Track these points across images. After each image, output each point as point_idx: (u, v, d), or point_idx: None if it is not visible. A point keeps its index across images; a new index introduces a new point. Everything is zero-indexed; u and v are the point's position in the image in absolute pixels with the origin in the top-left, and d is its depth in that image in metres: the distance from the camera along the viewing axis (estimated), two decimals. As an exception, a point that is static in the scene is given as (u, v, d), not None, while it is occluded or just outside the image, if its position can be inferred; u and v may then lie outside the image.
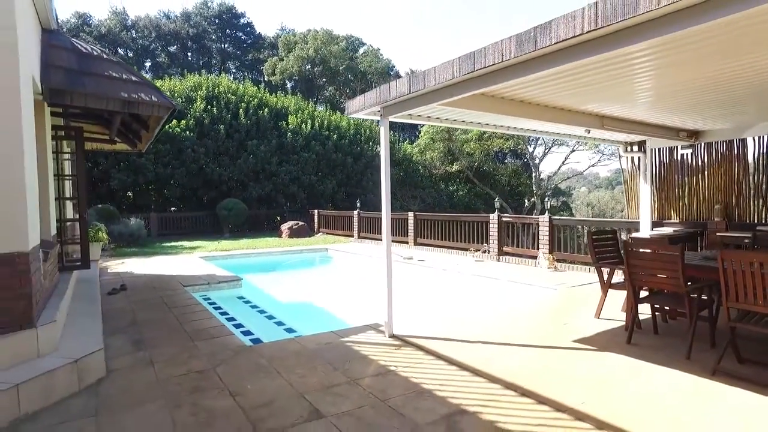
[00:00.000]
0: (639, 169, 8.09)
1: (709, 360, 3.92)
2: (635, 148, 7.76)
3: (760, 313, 3.64)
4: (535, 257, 9.62)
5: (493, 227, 10.62)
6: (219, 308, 6.99)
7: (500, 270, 9.26)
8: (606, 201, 47.46)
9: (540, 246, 9.49)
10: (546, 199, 19.85)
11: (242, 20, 48.87)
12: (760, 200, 7.06)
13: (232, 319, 6.39)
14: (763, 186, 7.06)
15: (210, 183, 20.00)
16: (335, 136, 23.08)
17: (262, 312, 7.15)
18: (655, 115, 5.91)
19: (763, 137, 7.06)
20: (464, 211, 25.17)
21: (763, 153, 7.08)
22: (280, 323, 6.43)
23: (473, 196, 28.56)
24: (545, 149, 29.08)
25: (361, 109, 4.91)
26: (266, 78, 40.36)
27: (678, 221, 8.06)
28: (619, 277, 5.89)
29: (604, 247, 5.68)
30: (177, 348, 4.69)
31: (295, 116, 22.32)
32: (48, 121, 6.05)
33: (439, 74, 3.85)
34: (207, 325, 5.57)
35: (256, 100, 21.71)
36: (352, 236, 16.43)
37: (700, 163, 7.84)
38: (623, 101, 5.10)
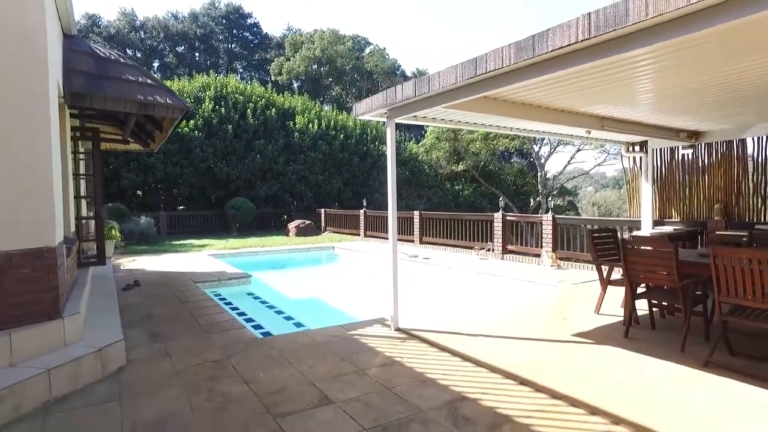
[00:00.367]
0: (640, 168, 8.22)
1: (703, 353, 4.08)
2: (637, 148, 7.90)
3: (750, 307, 3.80)
4: (538, 255, 9.78)
5: (498, 226, 10.78)
6: (229, 303, 7.20)
7: (504, 268, 9.43)
8: (612, 200, 47.40)
9: (543, 244, 9.65)
10: (550, 199, 19.96)
11: (249, 20, 49.23)
12: (759, 200, 7.18)
13: (242, 313, 6.60)
14: (762, 186, 7.18)
15: (218, 182, 20.27)
16: (342, 135, 23.30)
17: (271, 307, 7.38)
18: (655, 116, 6.06)
19: (762, 138, 7.19)
20: (470, 210, 25.32)
21: (762, 153, 7.20)
22: (288, 318, 6.64)
23: (479, 196, 28.69)
24: (551, 149, 29.14)
25: (368, 111, 5.11)
26: (273, 78, 40.64)
27: (679, 220, 8.19)
28: (618, 274, 6.03)
29: (604, 245, 5.84)
30: (192, 340, 4.91)
31: (302, 116, 22.57)
32: (68, 122, 6.28)
33: (443, 79, 4.03)
34: (219, 319, 5.78)
35: (263, 100, 21.97)
36: (359, 235, 16.64)
37: (700, 163, 7.97)
38: (623, 103, 5.26)
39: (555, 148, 28.98)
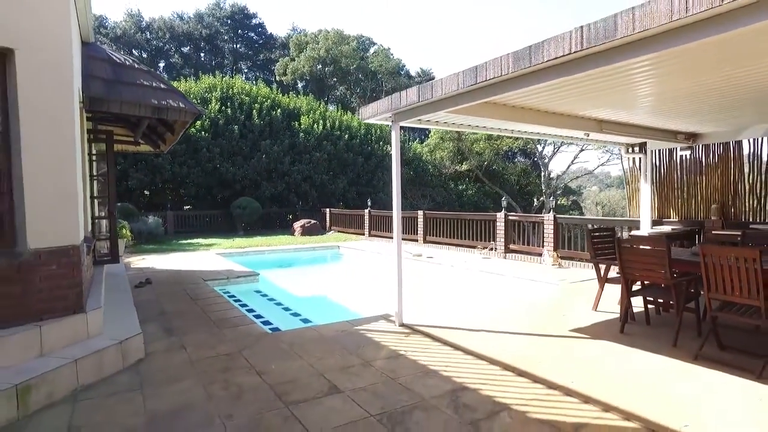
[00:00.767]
0: (640, 169, 8.40)
1: (694, 347, 4.26)
2: (636, 149, 8.07)
3: (738, 303, 3.98)
4: (540, 255, 9.96)
5: (500, 226, 10.97)
6: (239, 300, 7.42)
7: (506, 267, 9.62)
8: (617, 200, 47.37)
9: (545, 244, 9.83)
10: (551, 198, 20.12)
11: (254, 21, 49.54)
12: (755, 200, 7.35)
13: (251, 310, 6.82)
14: (758, 186, 7.35)
15: (224, 182, 20.53)
16: (346, 135, 23.53)
17: (279, 304, 7.60)
18: (652, 118, 6.24)
19: (758, 139, 7.35)
20: (473, 210, 25.50)
21: (757, 154, 7.36)
22: (296, 314, 6.85)
23: (482, 195, 28.86)
24: (554, 149, 29.27)
25: (374, 115, 5.32)
26: (278, 78, 40.90)
27: (677, 220, 8.36)
28: (615, 272, 6.21)
29: (601, 244, 6.02)
30: (205, 334, 5.13)
31: (308, 116, 22.80)
32: (84, 126, 6.52)
33: (446, 85, 4.24)
34: (230, 315, 6.01)
35: (269, 100, 22.22)
36: (363, 234, 16.85)
37: (698, 164, 8.13)
38: (620, 107, 5.45)
39: (558, 148, 29.12)
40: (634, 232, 7.87)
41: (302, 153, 22.01)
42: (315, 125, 22.63)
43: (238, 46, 49.52)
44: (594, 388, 3.51)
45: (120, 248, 10.53)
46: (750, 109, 5.61)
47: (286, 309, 7.24)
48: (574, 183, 36.71)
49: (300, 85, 42.05)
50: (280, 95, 23.86)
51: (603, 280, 5.83)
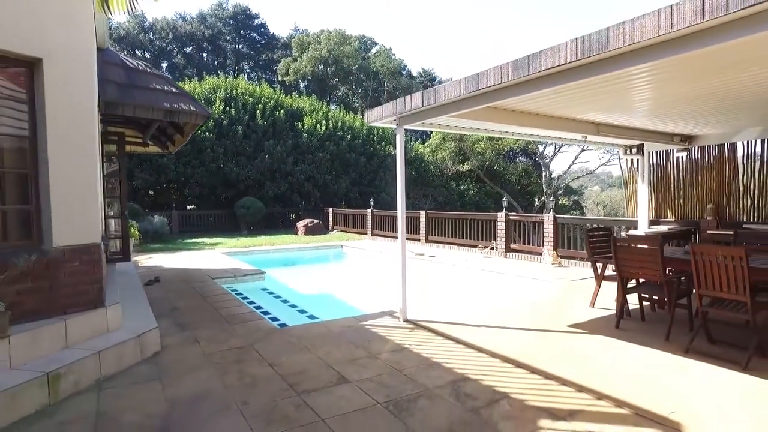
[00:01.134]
0: (637, 170, 8.59)
1: (686, 341, 4.44)
2: (634, 150, 8.27)
3: (727, 299, 4.18)
4: (540, 254, 10.16)
5: (501, 225, 11.17)
6: (246, 298, 7.63)
7: (507, 265, 9.82)
8: (618, 200, 47.45)
9: (545, 243, 10.03)
10: (552, 198, 20.28)
11: (256, 21, 49.74)
12: (749, 200, 7.54)
13: (259, 307, 7.02)
14: (752, 187, 7.54)
15: (228, 182, 20.76)
16: (349, 136, 23.74)
17: (285, 302, 7.81)
18: (648, 121, 6.43)
19: (751, 141, 7.54)
20: (475, 210, 25.69)
21: (751, 156, 7.55)
22: (302, 311, 7.06)
23: (483, 195, 29.04)
24: (555, 149, 29.42)
25: (379, 119, 5.53)
26: (280, 78, 41.12)
27: (674, 220, 8.55)
28: (612, 270, 6.41)
29: (599, 243, 6.21)
30: (216, 329, 5.35)
31: (311, 117, 23.01)
32: (98, 128, 6.74)
33: (448, 91, 4.45)
34: (238, 311, 6.23)
35: (272, 101, 22.44)
36: (366, 234, 17.05)
37: (694, 166, 8.32)
38: (617, 111, 5.65)
39: (560, 148, 29.26)
40: (631, 232, 8.06)
41: (305, 153, 22.22)
42: (318, 126, 22.85)
43: (240, 46, 49.72)
44: (588, 378, 3.72)
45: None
46: (743, 112, 5.80)
47: (293, 306, 7.44)
48: (575, 183, 36.86)
49: (302, 85, 42.26)
50: (284, 96, 24.09)
51: (600, 278, 6.03)
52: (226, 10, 48.27)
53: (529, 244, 10.91)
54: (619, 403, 3.28)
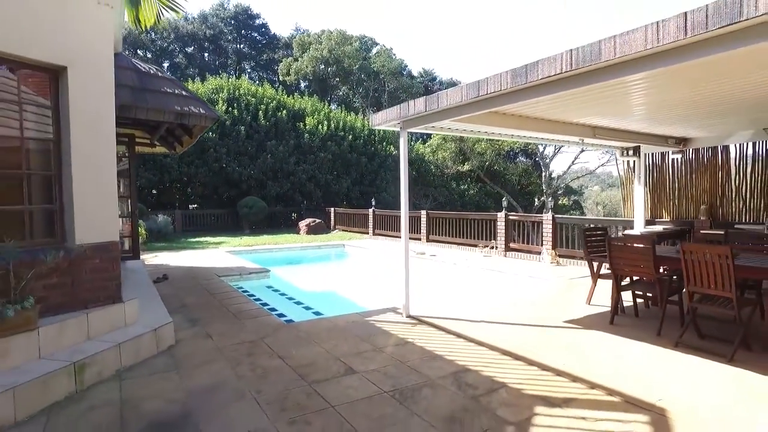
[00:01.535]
0: (634, 171, 8.81)
1: (677, 336, 4.66)
2: (631, 152, 8.48)
3: (715, 296, 4.39)
4: (539, 253, 10.37)
5: (501, 225, 11.39)
6: (252, 295, 7.83)
7: (506, 264, 10.04)
8: (617, 200, 47.55)
9: (543, 242, 10.24)
10: (550, 199, 20.47)
11: (257, 21, 49.96)
12: (741, 201, 7.76)
13: (265, 304, 7.22)
14: (743, 188, 7.76)
15: (230, 182, 20.98)
16: (350, 136, 23.96)
17: (290, 299, 8.02)
18: (643, 125, 6.65)
19: (743, 144, 7.75)
20: (475, 209, 25.91)
21: (743, 158, 7.77)
22: (308, 308, 7.27)
23: (484, 195, 29.26)
24: (555, 149, 29.63)
25: (384, 122, 5.74)
26: (281, 78, 41.32)
27: (669, 220, 8.77)
28: (607, 268, 6.62)
29: (595, 242, 6.43)
30: (226, 325, 5.56)
31: (312, 117, 23.23)
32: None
33: (450, 97, 4.66)
34: (246, 308, 6.45)
35: (274, 101, 22.66)
36: (368, 233, 17.27)
37: (688, 167, 8.54)
38: (612, 115, 5.87)
39: (559, 148, 29.46)
40: (627, 232, 8.28)
41: (307, 153, 22.44)
42: (320, 126, 23.06)
43: (241, 46, 49.92)
44: (582, 369, 3.94)
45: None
46: (735, 117, 6.02)
47: (298, 303, 7.66)
48: (575, 183, 37.06)
49: (303, 85, 42.45)
50: (285, 96, 24.30)
51: (596, 276, 6.25)
52: (228, 10, 48.47)
53: (528, 243, 11.12)
54: (610, 392, 3.50)
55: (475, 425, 3.06)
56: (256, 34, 50.34)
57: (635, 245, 5.21)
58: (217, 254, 12.44)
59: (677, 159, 8.53)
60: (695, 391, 3.52)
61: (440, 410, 3.28)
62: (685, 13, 2.67)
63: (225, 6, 48.64)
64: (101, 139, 4.34)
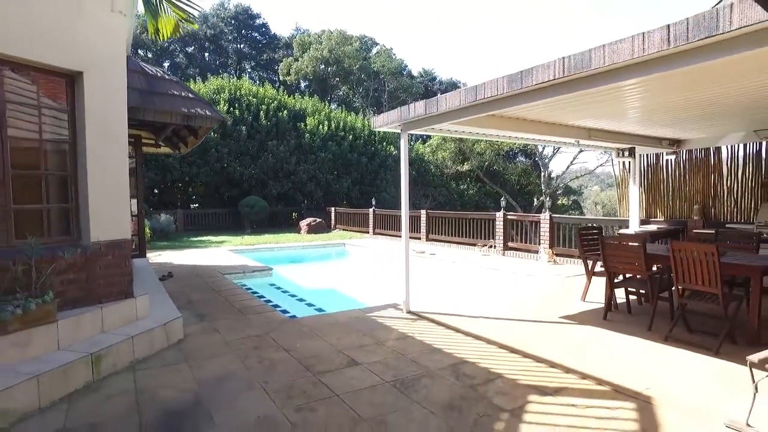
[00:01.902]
0: (629, 172, 9.00)
1: (667, 331, 4.86)
2: (626, 153, 8.68)
3: (703, 292, 4.58)
4: (537, 252, 10.57)
5: (499, 224, 11.58)
6: (256, 292, 8.02)
7: (504, 263, 10.23)
8: (616, 200, 47.78)
9: (541, 241, 10.44)
10: (548, 199, 20.64)
11: (258, 21, 50.12)
12: (732, 201, 7.95)
13: (269, 301, 7.41)
14: (735, 189, 7.95)
15: (232, 181, 21.15)
16: (350, 136, 24.15)
17: (293, 296, 8.21)
18: (637, 127, 6.84)
19: (734, 146, 7.95)
20: (474, 209, 26.11)
21: (734, 159, 7.97)
22: (310, 304, 7.47)
23: (483, 195, 29.45)
24: (554, 149, 29.82)
25: (385, 124, 5.93)
26: (281, 78, 41.50)
27: (663, 219, 8.96)
28: (600, 266, 6.81)
29: (590, 241, 6.62)
30: (232, 320, 5.75)
31: (313, 117, 23.41)
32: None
33: (449, 101, 4.85)
34: (251, 304, 6.63)
35: (275, 102, 22.83)
36: (368, 232, 17.45)
37: (682, 168, 8.74)
38: (606, 118, 6.06)
39: (558, 149, 29.65)
40: (622, 231, 8.47)
41: (308, 153, 22.62)
42: (320, 126, 23.24)
43: (241, 46, 50.07)
44: (575, 361, 4.13)
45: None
46: (725, 119, 6.21)
47: (301, 300, 7.85)
48: (575, 183, 37.26)
49: (303, 85, 42.63)
50: (286, 97, 24.48)
51: (590, 273, 6.44)
52: (228, 10, 48.62)
53: (526, 242, 11.32)
54: (600, 382, 3.69)
55: (471, 412, 3.25)
56: (256, 34, 50.49)
57: (627, 244, 5.40)
58: (219, 253, 12.62)
59: (671, 160, 8.72)
60: (680, 380, 3.71)
61: (439, 398, 3.46)
62: (668, 25, 2.86)
63: (225, 6, 48.79)
64: (114, 141, 4.52)
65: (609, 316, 5.61)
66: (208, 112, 6.85)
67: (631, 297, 6.06)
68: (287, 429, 3.03)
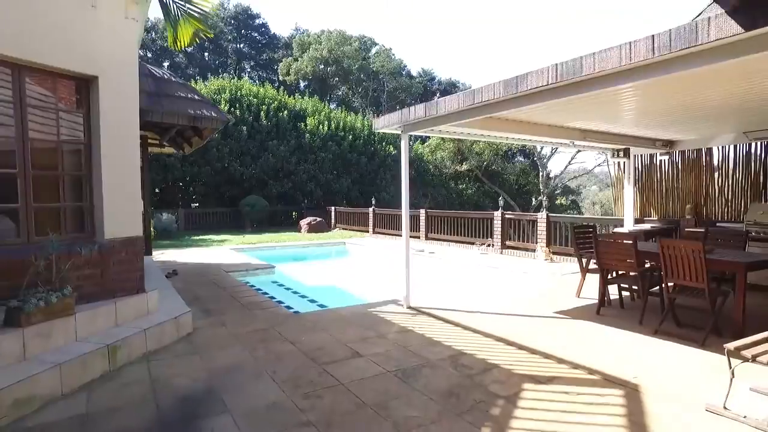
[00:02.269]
0: (624, 172, 9.22)
1: (657, 325, 5.07)
2: (621, 154, 8.88)
3: (691, 287, 4.79)
4: (534, 250, 10.77)
5: (497, 223, 11.79)
6: (259, 289, 8.20)
7: (502, 261, 10.44)
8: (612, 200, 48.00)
9: (538, 240, 10.64)
10: (546, 198, 20.85)
11: (257, 21, 50.28)
12: (723, 200, 8.17)
13: (272, 297, 7.59)
14: (725, 188, 8.18)
15: (232, 181, 21.34)
16: (350, 136, 24.34)
17: (295, 293, 8.41)
18: (630, 129, 7.05)
19: (725, 147, 8.17)
20: (473, 208, 26.31)
21: (725, 160, 8.18)
22: (312, 301, 7.66)
23: (481, 195, 29.67)
24: (552, 149, 30.03)
25: (386, 126, 6.14)
26: (281, 78, 41.67)
27: (657, 218, 9.18)
28: (595, 264, 7.02)
29: (584, 239, 6.83)
30: (239, 315, 5.95)
31: (313, 118, 23.59)
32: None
33: (448, 104, 5.05)
34: (256, 300, 6.84)
35: (276, 102, 23.02)
36: (368, 232, 17.64)
37: (675, 168, 8.95)
38: (600, 120, 6.26)
39: (556, 149, 29.85)
40: (617, 229, 8.68)
41: (308, 153, 22.81)
42: (320, 126, 23.43)
43: (241, 45, 50.22)
44: (568, 353, 4.34)
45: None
46: (716, 122, 6.42)
47: (303, 296, 8.04)
48: (573, 183, 37.51)
49: (302, 84, 42.80)
50: (287, 97, 24.66)
51: (585, 270, 6.64)
52: (228, 10, 48.77)
53: (523, 241, 11.52)
54: (591, 371, 3.90)
55: (469, 398, 3.45)
56: (255, 34, 50.64)
57: (619, 242, 5.61)
58: (221, 251, 12.81)
59: (665, 160, 8.93)
60: (667, 370, 3.92)
61: (439, 386, 3.67)
62: (653, 35, 3.06)
63: (225, 6, 48.93)
64: (127, 142, 4.72)
65: (602, 311, 5.81)
66: (213, 114, 7.05)
67: (624, 293, 6.25)
68: (296, 413, 3.23)
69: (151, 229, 11.93)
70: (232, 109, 21.60)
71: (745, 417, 2.93)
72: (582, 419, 3.11)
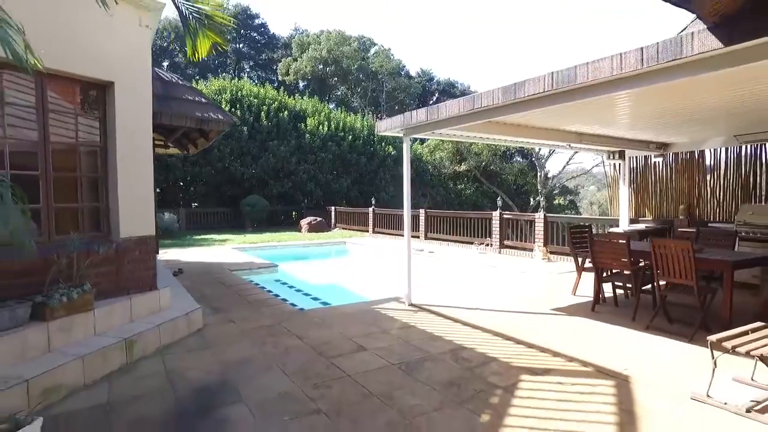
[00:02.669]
0: (619, 173, 9.44)
1: (649, 321, 5.29)
2: (616, 155, 9.10)
3: (681, 284, 5.00)
4: (531, 250, 10.98)
5: (495, 223, 12.00)
6: (263, 287, 8.40)
7: (500, 260, 10.65)
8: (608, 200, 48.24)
9: (535, 240, 10.86)
10: (544, 198, 21.06)
11: (257, 21, 50.43)
12: (715, 201, 8.40)
13: (276, 295, 7.78)
14: (717, 190, 8.40)
15: (233, 181, 21.51)
16: (350, 137, 24.53)
17: (299, 291, 8.61)
18: (625, 132, 7.27)
19: (717, 149, 8.39)
20: (471, 208, 26.54)
21: (717, 162, 8.41)
22: (316, 298, 7.86)
23: (480, 195, 29.90)
24: (550, 150, 30.26)
25: (388, 129, 6.34)
26: (280, 78, 41.83)
27: (651, 219, 9.40)
28: (590, 262, 7.22)
29: (580, 238, 7.04)
30: (246, 312, 6.15)
31: (313, 118, 23.78)
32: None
33: (449, 109, 5.26)
34: (261, 297, 7.03)
35: (276, 103, 23.19)
36: (368, 231, 17.85)
37: (668, 170, 9.18)
38: (596, 124, 6.48)
39: (554, 150, 30.08)
40: (612, 229, 8.90)
41: (308, 153, 23.00)
42: (320, 126, 23.62)
43: (240, 45, 50.35)
44: (563, 346, 4.55)
45: (148, 242, 11.53)
46: (707, 126, 6.65)
47: (306, 294, 8.24)
48: (571, 183, 37.76)
49: (302, 85, 42.96)
50: (287, 97, 24.83)
51: (580, 269, 6.85)
52: (227, 10, 48.79)
53: (521, 240, 11.74)
54: (585, 364, 4.11)
55: (469, 388, 3.66)
56: (255, 34, 50.78)
57: (613, 241, 5.82)
58: (223, 251, 13.00)
59: (659, 162, 9.15)
60: (656, 363, 4.13)
61: (440, 378, 3.87)
62: (641, 48, 3.27)
63: (224, 5, 49.04)
64: (141, 144, 4.91)
65: (597, 308, 6.03)
66: (220, 116, 7.23)
67: (618, 291, 6.47)
68: (307, 402, 3.43)
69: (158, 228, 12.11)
70: (233, 109, 21.77)
71: (725, 404, 3.15)
72: (575, 407, 3.32)
